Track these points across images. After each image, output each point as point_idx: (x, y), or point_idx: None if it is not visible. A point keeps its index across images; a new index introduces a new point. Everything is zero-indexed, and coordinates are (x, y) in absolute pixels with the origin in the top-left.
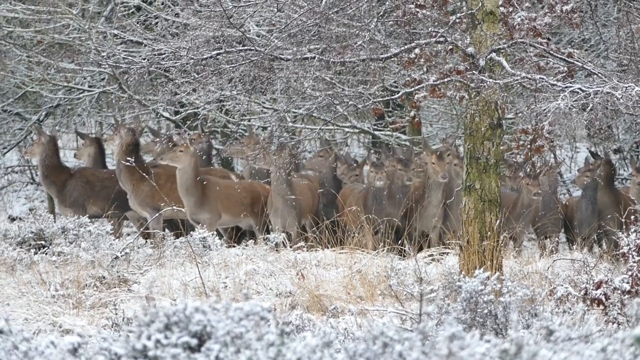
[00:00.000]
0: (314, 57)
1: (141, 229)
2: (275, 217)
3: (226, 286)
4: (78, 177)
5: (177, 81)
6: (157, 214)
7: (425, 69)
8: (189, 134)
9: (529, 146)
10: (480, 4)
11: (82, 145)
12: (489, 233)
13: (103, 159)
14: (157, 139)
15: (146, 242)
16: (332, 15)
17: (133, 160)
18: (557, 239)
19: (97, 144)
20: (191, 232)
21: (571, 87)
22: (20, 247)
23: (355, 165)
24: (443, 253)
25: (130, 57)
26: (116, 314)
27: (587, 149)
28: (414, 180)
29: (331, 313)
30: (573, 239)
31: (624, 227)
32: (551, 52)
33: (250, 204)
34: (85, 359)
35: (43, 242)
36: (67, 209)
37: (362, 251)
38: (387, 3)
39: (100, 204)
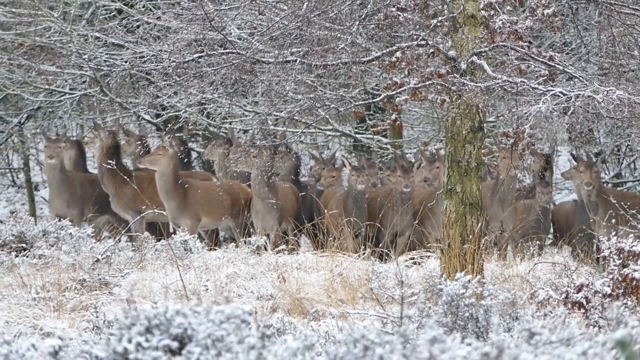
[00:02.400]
0: (296, 60)
1: (122, 232)
2: (257, 220)
3: (207, 289)
4: (77, 181)
5: (158, 84)
6: (138, 217)
7: (406, 72)
8: (169, 137)
9: (510, 149)
10: (461, 8)
11: (63, 148)
12: (470, 236)
13: (84, 162)
14: (129, 139)
15: (127, 244)
16: (313, 18)
17: (114, 162)
18: (538, 242)
19: (77, 146)
20: (172, 235)
21: (552, 90)
22: (1, 250)
23: (333, 167)
24: (424, 256)
25: (111, 60)
26: (97, 316)
27: (569, 152)
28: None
29: (312, 316)
30: (556, 242)
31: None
32: (532, 55)
33: (231, 205)
34: None
35: (24, 245)
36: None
37: (343, 254)
38: (369, 6)
39: (88, 207)
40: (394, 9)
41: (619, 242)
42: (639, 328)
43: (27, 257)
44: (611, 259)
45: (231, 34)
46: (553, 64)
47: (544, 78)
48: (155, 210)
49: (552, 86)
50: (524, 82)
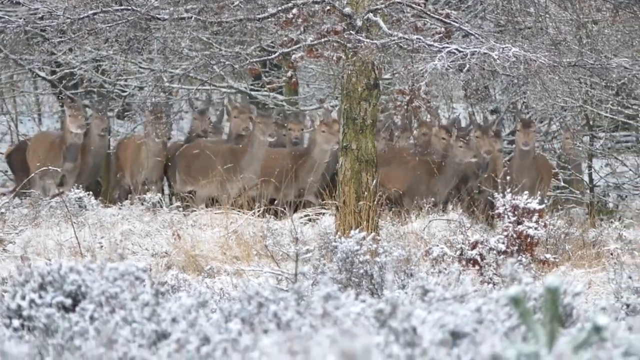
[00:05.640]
0: (191, 17)
1: (16, 188)
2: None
3: (102, 246)
4: None
5: (53, 41)
6: (32, 174)
7: (302, 29)
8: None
9: (405, 107)
10: None
11: None
12: (365, 193)
13: None
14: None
15: (22, 201)
16: None
17: None
18: (432, 199)
19: None
20: (67, 192)
21: (448, 47)
22: None
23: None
24: (319, 213)
25: (6, 17)
26: None
27: (464, 110)
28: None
29: (207, 273)
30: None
31: (499, 187)
32: (428, 12)
33: None
34: None
35: None
36: None
37: (239, 211)
38: None
39: None
40: None
41: (514, 199)
42: (533, 285)
43: None
44: (506, 216)
45: None
46: (449, 21)
47: (440, 35)
48: (50, 167)
49: (448, 43)
50: (419, 39)
